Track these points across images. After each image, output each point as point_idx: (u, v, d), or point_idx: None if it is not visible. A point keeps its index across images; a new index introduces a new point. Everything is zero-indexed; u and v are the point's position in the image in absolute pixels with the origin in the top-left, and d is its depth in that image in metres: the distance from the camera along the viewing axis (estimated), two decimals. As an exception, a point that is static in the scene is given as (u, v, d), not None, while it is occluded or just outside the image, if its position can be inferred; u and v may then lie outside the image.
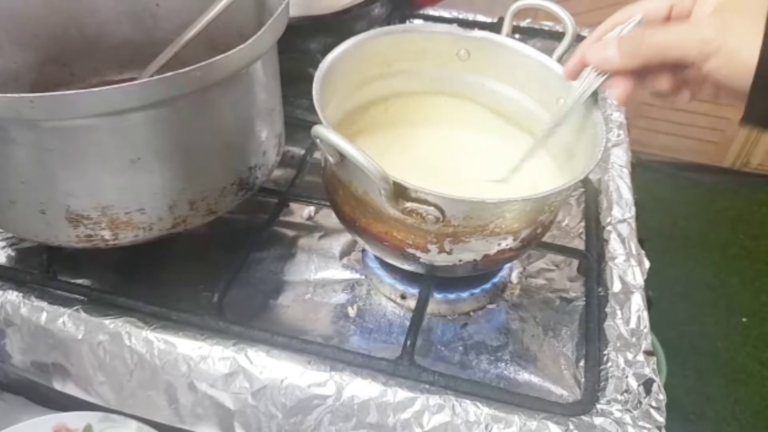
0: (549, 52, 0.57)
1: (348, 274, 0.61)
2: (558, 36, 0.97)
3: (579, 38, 0.98)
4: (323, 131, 0.43)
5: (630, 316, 0.55)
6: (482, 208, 0.45)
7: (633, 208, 0.66)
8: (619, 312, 0.55)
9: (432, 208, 0.44)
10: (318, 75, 0.51)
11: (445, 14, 1.01)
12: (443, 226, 0.45)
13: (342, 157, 0.43)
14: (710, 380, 1.48)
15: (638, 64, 0.44)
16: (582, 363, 0.53)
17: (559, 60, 0.56)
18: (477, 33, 0.59)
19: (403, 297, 0.58)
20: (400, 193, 0.43)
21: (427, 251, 0.48)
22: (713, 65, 0.39)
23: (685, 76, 0.45)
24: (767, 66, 0.37)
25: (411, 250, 0.49)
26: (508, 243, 0.48)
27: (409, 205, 0.44)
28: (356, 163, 0.42)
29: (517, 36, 0.59)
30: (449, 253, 0.48)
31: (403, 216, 0.45)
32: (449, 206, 0.44)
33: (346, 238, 0.64)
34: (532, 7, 0.58)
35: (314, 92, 0.48)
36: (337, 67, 0.54)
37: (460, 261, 0.49)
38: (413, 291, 0.57)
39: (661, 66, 0.44)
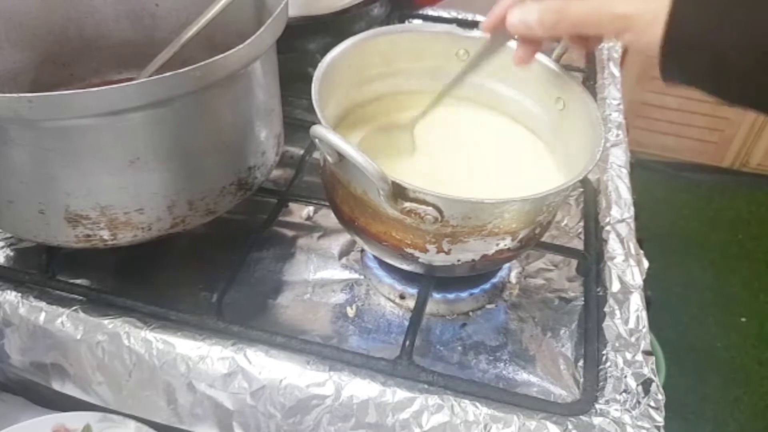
0: (548, 52, 0.57)
1: (347, 274, 0.61)
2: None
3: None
4: (322, 131, 0.43)
5: (629, 316, 0.55)
6: (481, 208, 0.45)
7: (632, 208, 0.67)
8: (617, 312, 0.55)
9: (430, 208, 0.44)
10: (317, 74, 0.51)
11: (444, 14, 1.01)
12: (442, 226, 0.45)
13: (341, 157, 0.43)
14: (709, 380, 1.48)
15: (555, 35, 0.45)
16: (581, 363, 0.53)
17: (558, 60, 0.56)
18: (476, 33, 0.59)
19: (402, 297, 0.58)
20: (398, 193, 0.43)
21: (426, 251, 0.48)
22: (629, 38, 0.40)
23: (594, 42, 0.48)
24: (673, 35, 0.38)
25: (409, 250, 0.49)
26: (506, 243, 0.49)
27: (407, 205, 0.44)
28: (355, 164, 0.42)
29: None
30: (447, 253, 0.48)
31: (401, 216, 0.45)
32: (447, 206, 0.44)
33: (345, 238, 0.64)
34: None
35: (313, 92, 0.48)
36: (337, 66, 0.54)
37: (458, 261, 0.49)
38: (412, 291, 0.57)
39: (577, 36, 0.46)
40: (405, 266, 0.53)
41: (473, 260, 0.49)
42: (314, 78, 0.50)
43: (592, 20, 0.42)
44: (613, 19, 0.40)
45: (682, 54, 0.38)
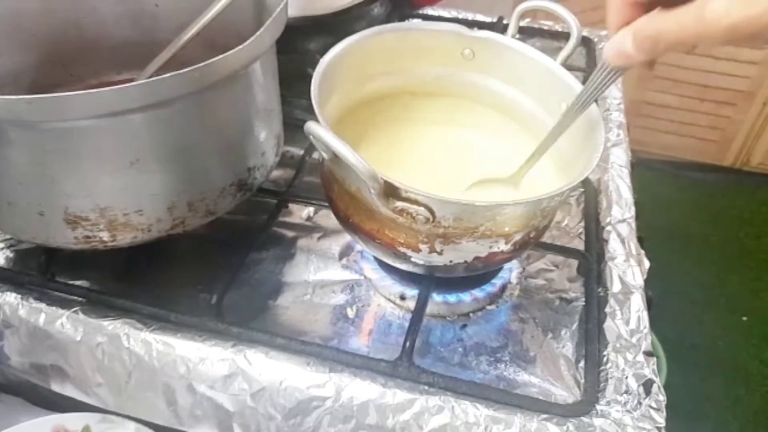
0: (549, 51, 0.57)
1: (347, 275, 0.61)
2: (557, 35, 0.97)
3: (584, 40, 0.98)
4: (315, 128, 0.43)
5: (630, 316, 0.55)
6: (472, 210, 0.45)
7: (633, 208, 0.66)
8: (618, 312, 0.55)
9: (422, 208, 0.43)
10: (317, 71, 0.50)
11: (445, 14, 1.01)
12: (434, 226, 0.45)
13: (335, 154, 0.43)
14: (710, 380, 1.48)
15: (656, 57, 0.41)
16: (582, 364, 0.53)
17: (564, 63, 0.56)
18: (482, 33, 0.59)
19: (402, 298, 0.58)
20: (390, 192, 0.43)
21: (419, 251, 0.48)
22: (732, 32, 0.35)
23: None
24: None
25: (402, 249, 0.49)
26: (499, 246, 0.48)
27: (399, 204, 0.44)
28: (346, 162, 0.42)
29: (517, 36, 0.59)
30: (440, 253, 0.48)
31: (393, 215, 0.45)
32: (439, 207, 0.44)
33: (345, 238, 0.64)
34: (536, 8, 0.58)
35: (312, 88, 0.48)
36: (338, 64, 0.54)
37: (450, 262, 0.49)
38: (412, 292, 0.57)
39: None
40: (399, 265, 0.53)
41: (466, 261, 0.49)
42: (314, 74, 0.50)
43: (692, 32, 0.37)
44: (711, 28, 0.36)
45: None
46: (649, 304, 0.57)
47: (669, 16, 0.38)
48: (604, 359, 0.52)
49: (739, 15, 0.34)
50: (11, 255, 0.61)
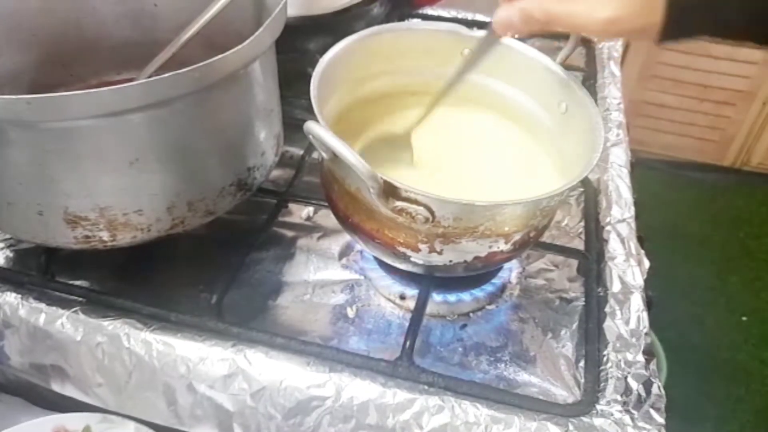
0: (548, 51, 0.57)
1: (347, 275, 0.61)
2: (557, 35, 0.97)
3: (583, 40, 0.98)
4: (314, 128, 0.43)
5: (630, 316, 0.55)
6: (471, 210, 0.45)
7: (632, 208, 0.66)
8: (618, 312, 0.55)
9: (422, 208, 0.43)
10: (317, 70, 0.50)
11: (445, 14, 1.01)
12: (433, 226, 0.45)
13: (335, 153, 0.43)
14: (710, 380, 1.48)
15: (537, 30, 0.45)
16: (582, 363, 0.53)
17: (563, 63, 0.56)
18: (481, 33, 0.59)
19: (402, 298, 0.58)
20: (390, 191, 0.43)
21: (418, 251, 0.48)
22: (614, 33, 0.42)
23: None
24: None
25: (402, 249, 0.49)
26: (499, 246, 0.48)
27: (399, 204, 0.44)
28: (345, 161, 0.42)
29: (516, 35, 0.59)
30: (440, 253, 0.48)
31: (393, 215, 0.45)
32: (438, 207, 0.44)
33: (345, 238, 0.64)
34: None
35: (312, 88, 0.48)
36: (338, 64, 0.54)
37: (450, 261, 0.49)
38: (412, 292, 0.57)
39: None
40: (399, 265, 0.53)
41: (465, 261, 0.49)
42: (314, 74, 0.50)
43: (577, 21, 0.42)
44: (599, 22, 0.41)
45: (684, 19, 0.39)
46: (649, 304, 0.57)
47: (561, 5, 0.42)
48: (604, 359, 0.52)
49: (626, 27, 0.40)
50: (11, 255, 0.61)
